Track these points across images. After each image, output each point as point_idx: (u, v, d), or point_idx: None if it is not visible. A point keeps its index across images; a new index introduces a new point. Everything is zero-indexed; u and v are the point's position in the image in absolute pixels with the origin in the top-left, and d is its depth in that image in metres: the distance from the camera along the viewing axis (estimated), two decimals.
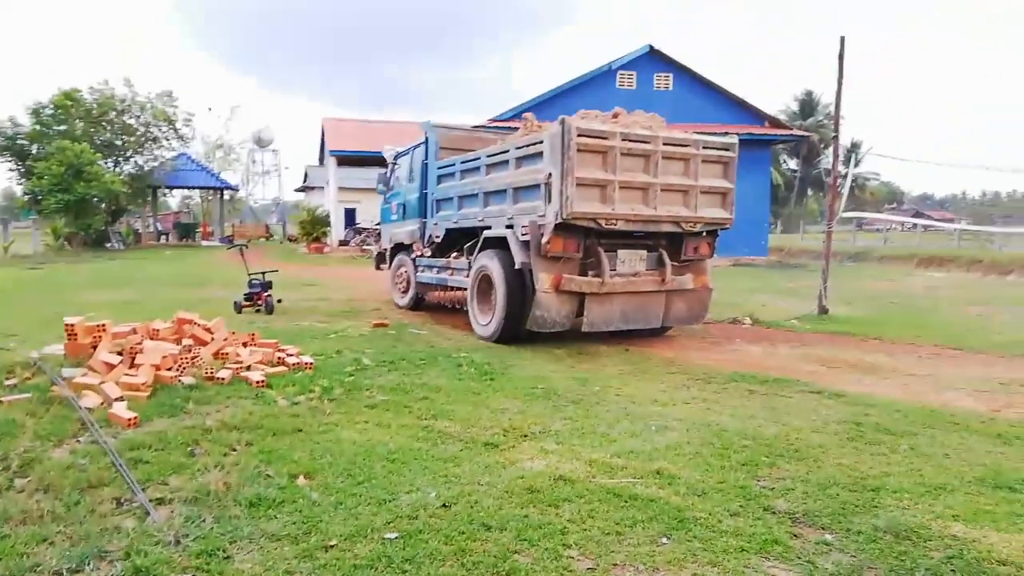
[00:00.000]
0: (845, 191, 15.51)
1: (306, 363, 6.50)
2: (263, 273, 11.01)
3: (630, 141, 7.64)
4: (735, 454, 4.42)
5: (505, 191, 8.36)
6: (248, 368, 6.15)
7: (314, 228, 31.33)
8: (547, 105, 23.01)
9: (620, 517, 3.46)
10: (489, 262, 8.42)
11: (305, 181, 52.22)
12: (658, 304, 8.39)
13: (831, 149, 13.58)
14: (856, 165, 55.28)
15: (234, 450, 4.33)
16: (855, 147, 62.56)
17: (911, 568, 3.05)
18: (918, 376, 7.13)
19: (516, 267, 7.95)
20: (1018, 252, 25.19)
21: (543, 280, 7.67)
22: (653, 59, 25.68)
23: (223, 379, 5.82)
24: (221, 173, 45.41)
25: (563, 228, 7.43)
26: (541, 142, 7.65)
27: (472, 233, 9.22)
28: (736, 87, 27.91)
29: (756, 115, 26.82)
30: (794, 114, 63.05)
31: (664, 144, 7.82)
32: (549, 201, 7.46)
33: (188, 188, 42.83)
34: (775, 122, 28.60)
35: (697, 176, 8.07)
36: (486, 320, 8.56)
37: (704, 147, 8.16)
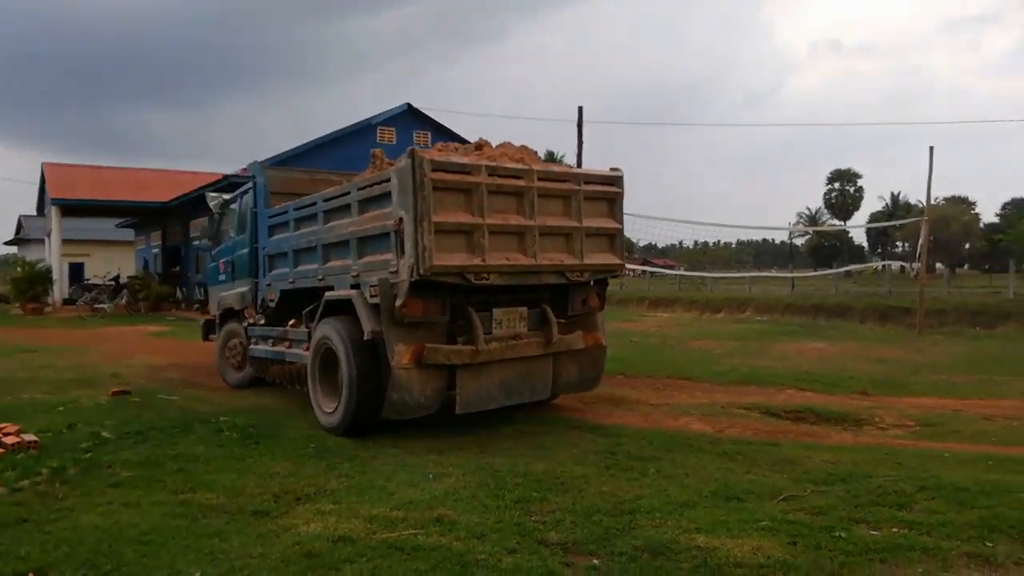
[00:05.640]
0: None
1: (29, 442, 5.65)
2: None
3: (498, 176, 6.21)
4: (509, 493, 4.60)
5: (348, 242, 6.70)
6: None
7: (31, 286, 27.26)
8: (305, 157, 22.61)
9: (404, 570, 3.43)
10: (331, 332, 6.56)
11: (19, 233, 45.70)
12: (545, 370, 6.90)
13: None
14: None
15: None
16: None
17: None
18: (657, 405, 7.99)
19: (366, 337, 6.16)
20: (724, 294, 29.36)
21: (400, 353, 5.97)
22: (412, 117, 26.44)
23: None
24: None
25: (422, 286, 5.86)
26: (388, 180, 6.11)
27: (314, 295, 7.35)
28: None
29: None
30: None
31: (539, 179, 6.44)
32: (402, 253, 5.87)
33: None
34: None
35: (581, 216, 6.72)
36: (331, 406, 6.58)
37: (586, 181, 6.86)
